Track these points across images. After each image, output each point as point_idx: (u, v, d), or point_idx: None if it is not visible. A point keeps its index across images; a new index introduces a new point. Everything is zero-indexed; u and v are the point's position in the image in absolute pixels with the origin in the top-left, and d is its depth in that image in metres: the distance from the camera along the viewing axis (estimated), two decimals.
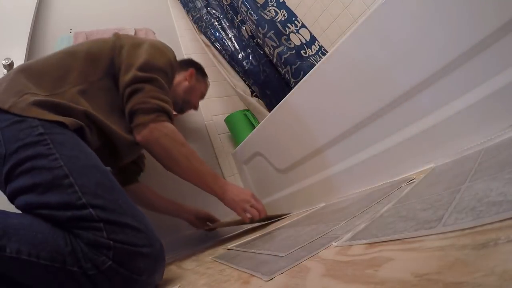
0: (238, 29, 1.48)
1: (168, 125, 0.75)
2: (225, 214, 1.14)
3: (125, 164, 0.96)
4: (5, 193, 0.54)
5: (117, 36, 0.82)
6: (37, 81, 0.64)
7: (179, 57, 1.55)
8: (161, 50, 0.83)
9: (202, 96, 1.19)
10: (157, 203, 1.02)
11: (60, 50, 0.75)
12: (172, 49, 0.89)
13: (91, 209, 0.48)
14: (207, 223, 1.07)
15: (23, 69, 0.66)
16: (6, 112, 0.56)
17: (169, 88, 0.81)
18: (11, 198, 0.52)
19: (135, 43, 0.80)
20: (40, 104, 0.58)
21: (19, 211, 0.52)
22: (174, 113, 0.97)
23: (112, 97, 0.75)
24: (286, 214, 1.00)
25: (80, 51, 0.74)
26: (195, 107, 1.17)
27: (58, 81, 0.66)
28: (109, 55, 0.76)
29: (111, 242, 0.47)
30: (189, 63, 1.15)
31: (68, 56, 0.72)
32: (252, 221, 0.81)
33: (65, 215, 0.48)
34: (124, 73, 0.75)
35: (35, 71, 0.66)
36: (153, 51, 0.80)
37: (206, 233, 1.15)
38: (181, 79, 1.06)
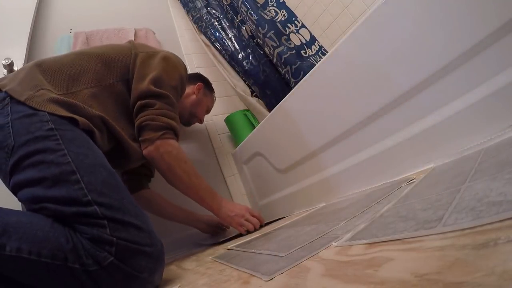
0: (238, 29, 1.48)
1: (173, 142, 0.80)
2: None
3: (136, 168, 0.99)
4: (7, 185, 0.55)
5: (132, 44, 0.84)
6: (52, 78, 0.65)
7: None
8: (174, 64, 0.86)
9: (208, 110, 1.23)
10: (168, 210, 1.03)
11: (72, 51, 0.76)
12: (183, 61, 0.92)
13: (96, 207, 0.49)
14: (216, 228, 1.08)
15: (38, 64, 0.67)
16: (20, 103, 0.57)
17: (177, 102, 0.85)
18: (16, 190, 0.53)
19: (149, 52, 0.83)
20: (56, 101, 0.60)
21: (17, 208, 0.52)
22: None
23: (121, 103, 0.76)
24: (283, 218, 1.00)
25: (94, 54, 0.75)
26: (201, 121, 1.20)
27: (71, 80, 0.67)
28: (123, 61, 0.78)
29: (114, 238, 0.47)
30: (198, 77, 1.19)
31: (82, 57, 0.73)
32: (249, 232, 0.86)
33: (70, 210, 0.48)
34: (137, 83, 0.77)
35: (50, 68, 0.67)
36: (166, 65, 0.83)
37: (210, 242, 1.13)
38: (189, 92, 1.10)
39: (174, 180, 0.81)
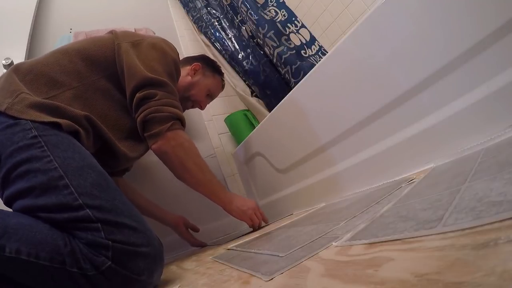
0: (238, 29, 1.48)
1: (183, 134, 0.76)
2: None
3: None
4: (2, 199, 0.54)
5: (114, 34, 0.78)
6: (31, 83, 0.62)
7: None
8: (164, 50, 0.80)
9: (210, 94, 1.06)
10: (139, 202, 0.96)
11: (54, 50, 0.72)
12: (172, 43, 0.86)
13: (88, 210, 0.48)
14: (184, 229, 1.00)
15: (16, 69, 0.64)
16: (1, 114, 0.55)
17: (175, 89, 0.79)
18: (9, 204, 0.52)
19: (134, 42, 0.77)
20: (37, 106, 0.57)
21: None
22: None
23: (109, 98, 0.72)
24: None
25: (74, 51, 0.71)
26: (200, 105, 1.05)
27: (51, 83, 0.64)
28: (106, 55, 0.73)
29: (110, 242, 0.47)
30: (197, 58, 1.06)
31: (61, 56, 0.69)
32: (258, 228, 0.86)
33: (62, 217, 0.48)
34: (130, 76, 0.72)
35: (29, 73, 0.64)
36: (156, 52, 0.78)
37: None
38: (183, 74, 0.97)
39: (187, 174, 0.76)
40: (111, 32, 0.80)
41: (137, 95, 0.71)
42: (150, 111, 0.71)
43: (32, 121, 0.55)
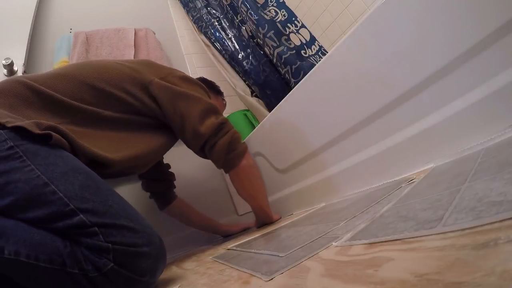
0: (238, 29, 1.48)
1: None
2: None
3: (159, 181, 1.02)
4: None
5: (138, 72, 0.73)
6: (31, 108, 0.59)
7: (179, 58, 1.56)
8: (196, 83, 0.85)
9: None
10: (197, 220, 1.07)
11: (59, 73, 0.68)
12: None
13: (81, 215, 0.46)
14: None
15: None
16: None
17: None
18: None
19: (177, 91, 0.75)
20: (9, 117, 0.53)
21: None
22: None
23: (115, 129, 0.69)
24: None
25: (82, 78, 0.67)
26: None
27: (53, 110, 0.61)
28: (127, 92, 0.70)
29: (110, 245, 0.46)
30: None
31: (65, 80, 0.66)
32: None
33: (57, 226, 0.46)
34: (190, 103, 0.76)
35: (35, 94, 0.60)
36: (199, 89, 0.82)
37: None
38: None
39: (257, 186, 0.90)
40: (130, 69, 0.74)
41: (214, 120, 0.78)
42: (234, 131, 0.81)
43: (8, 130, 0.50)
